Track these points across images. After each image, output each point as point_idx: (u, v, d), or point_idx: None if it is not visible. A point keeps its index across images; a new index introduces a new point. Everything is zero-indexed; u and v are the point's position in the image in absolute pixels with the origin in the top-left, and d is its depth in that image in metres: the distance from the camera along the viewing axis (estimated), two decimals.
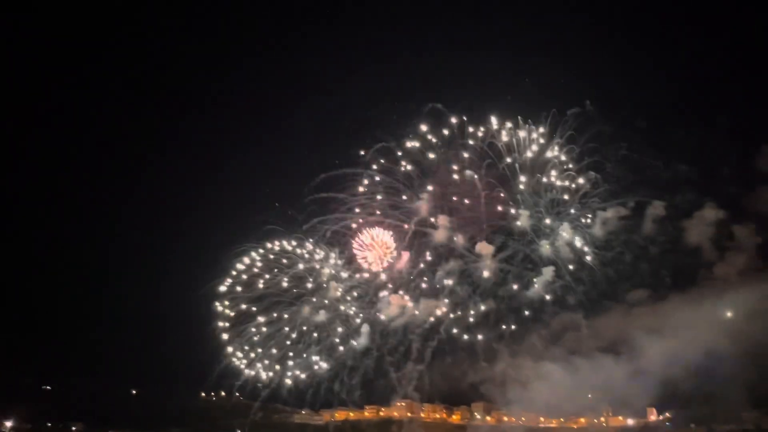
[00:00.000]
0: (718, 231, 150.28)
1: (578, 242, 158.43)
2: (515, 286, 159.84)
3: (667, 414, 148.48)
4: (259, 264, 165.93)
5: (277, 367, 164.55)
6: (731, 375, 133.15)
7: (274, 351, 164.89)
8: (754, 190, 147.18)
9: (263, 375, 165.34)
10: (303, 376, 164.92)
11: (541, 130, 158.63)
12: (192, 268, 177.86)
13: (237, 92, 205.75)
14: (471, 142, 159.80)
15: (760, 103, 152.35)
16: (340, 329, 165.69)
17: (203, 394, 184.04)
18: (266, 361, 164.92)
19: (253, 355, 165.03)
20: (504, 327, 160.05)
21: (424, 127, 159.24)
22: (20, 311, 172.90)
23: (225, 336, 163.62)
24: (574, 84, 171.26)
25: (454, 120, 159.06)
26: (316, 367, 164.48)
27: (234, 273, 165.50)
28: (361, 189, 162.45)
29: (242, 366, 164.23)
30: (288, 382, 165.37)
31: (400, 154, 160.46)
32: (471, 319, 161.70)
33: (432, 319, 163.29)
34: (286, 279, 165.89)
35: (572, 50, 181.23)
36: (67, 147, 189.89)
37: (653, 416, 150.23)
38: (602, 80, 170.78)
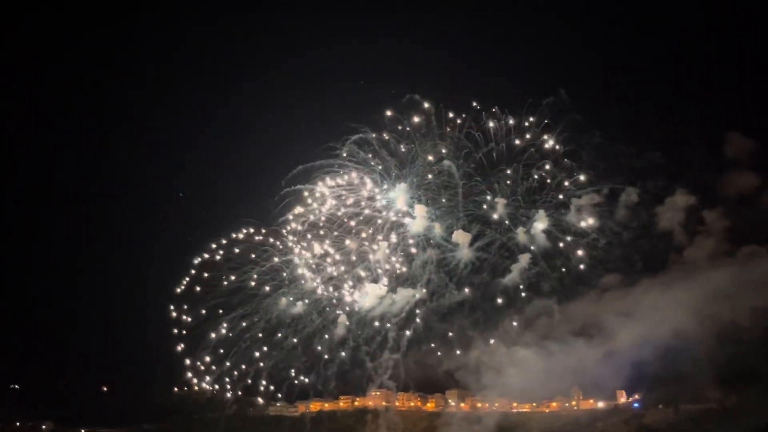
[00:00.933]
0: (689, 216, 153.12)
1: (553, 229, 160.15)
2: (492, 273, 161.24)
3: (636, 396, 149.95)
4: (234, 257, 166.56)
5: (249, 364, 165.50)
6: (698, 356, 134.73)
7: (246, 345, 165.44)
8: (723, 176, 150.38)
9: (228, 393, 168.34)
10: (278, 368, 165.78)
11: (512, 121, 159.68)
12: (162, 263, 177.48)
13: (208, 82, 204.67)
14: (448, 131, 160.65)
15: (729, 90, 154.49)
16: (315, 321, 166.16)
17: (176, 389, 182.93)
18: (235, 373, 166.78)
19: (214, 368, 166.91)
20: (479, 314, 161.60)
21: (401, 118, 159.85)
22: None
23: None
24: (549, 74, 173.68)
25: (431, 109, 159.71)
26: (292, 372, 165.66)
27: (204, 267, 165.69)
28: (338, 180, 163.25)
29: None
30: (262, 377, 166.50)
31: (376, 145, 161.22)
32: (447, 308, 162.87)
33: (408, 307, 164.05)
34: (256, 273, 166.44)
35: (546, 40, 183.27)
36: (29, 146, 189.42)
37: (622, 398, 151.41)
38: (576, 70, 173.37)
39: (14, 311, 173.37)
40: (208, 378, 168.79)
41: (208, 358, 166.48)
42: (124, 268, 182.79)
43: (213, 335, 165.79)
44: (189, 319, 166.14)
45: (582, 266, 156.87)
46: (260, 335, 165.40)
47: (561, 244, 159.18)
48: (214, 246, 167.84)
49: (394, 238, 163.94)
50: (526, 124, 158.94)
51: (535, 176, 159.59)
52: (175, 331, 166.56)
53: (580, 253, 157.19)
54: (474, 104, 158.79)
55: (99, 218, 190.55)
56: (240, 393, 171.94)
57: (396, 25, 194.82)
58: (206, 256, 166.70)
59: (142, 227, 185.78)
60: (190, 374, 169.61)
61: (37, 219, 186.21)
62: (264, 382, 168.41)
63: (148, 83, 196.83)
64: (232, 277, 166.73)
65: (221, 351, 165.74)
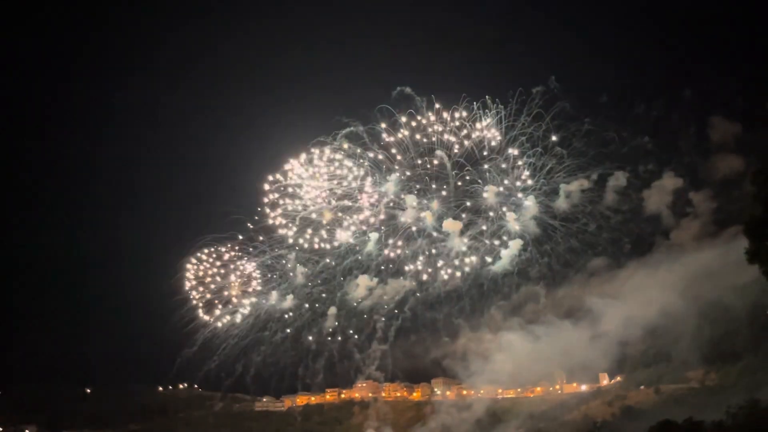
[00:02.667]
0: (676, 198, 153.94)
1: (543, 215, 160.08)
2: (483, 260, 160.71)
3: (618, 378, 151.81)
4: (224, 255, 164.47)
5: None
6: (681, 336, 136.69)
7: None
8: (710, 160, 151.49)
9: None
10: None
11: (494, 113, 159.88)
12: (147, 263, 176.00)
13: (197, 77, 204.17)
14: (438, 123, 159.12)
15: (715, 76, 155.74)
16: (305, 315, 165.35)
17: (161, 388, 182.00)
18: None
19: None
20: (467, 302, 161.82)
21: (392, 110, 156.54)
22: None
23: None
24: (539, 63, 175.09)
25: (422, 102, 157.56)
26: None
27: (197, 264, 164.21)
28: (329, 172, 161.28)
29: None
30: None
31: (366, 138, 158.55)
32: (436, 297, 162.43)
33: (398, 298, 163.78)
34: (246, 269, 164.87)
35: (536, 30, 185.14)
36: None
37: (605, 381, 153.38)
38: (565, 59, 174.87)
39: None
40: (196, 375, 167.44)
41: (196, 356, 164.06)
42: (105, 270, 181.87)
43: (200, 333, 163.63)
44: (177, 318, 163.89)
45: (570, 251, 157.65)
46: (249, 331, 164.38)
47: (550, 230, 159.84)
48: (201, 243, 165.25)
49: (385, 229, 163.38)
50: (517, 113, 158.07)
51: (526, 164, 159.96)
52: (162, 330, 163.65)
53: (568, 238, 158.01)
54: (464, 95, 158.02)
55: (83, 222, 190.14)
56: (226, 390, 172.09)
57: (386, 18, 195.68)
58: (195, 253, 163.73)
59: (126, 227, 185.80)
60: (177, 372, 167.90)
61: (19, 224, 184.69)
62: (251, 378, 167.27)
63: (142, 80, 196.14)
64: (221, 272, 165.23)
65: (209, 348, 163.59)
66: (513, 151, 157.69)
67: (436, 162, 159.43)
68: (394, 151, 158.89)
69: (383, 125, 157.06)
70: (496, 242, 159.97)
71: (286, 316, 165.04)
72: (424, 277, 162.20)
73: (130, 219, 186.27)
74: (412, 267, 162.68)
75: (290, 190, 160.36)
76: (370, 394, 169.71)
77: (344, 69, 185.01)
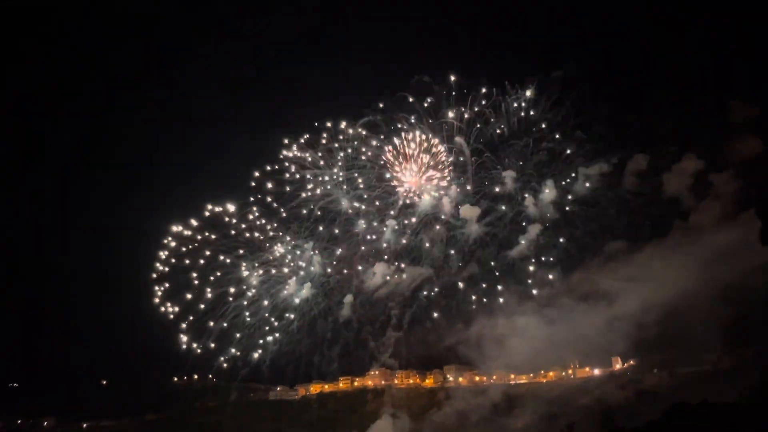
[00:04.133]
0: (696, 180, 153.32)
1: (562, 199, 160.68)
2: (499, 247, 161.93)
3: (631, 362, 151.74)
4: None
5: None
6: (694, 320, 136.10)
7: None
8: (730, 141, 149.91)
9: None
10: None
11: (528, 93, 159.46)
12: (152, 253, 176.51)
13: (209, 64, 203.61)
14: (456, 110, 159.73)
15: (736, 58, 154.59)
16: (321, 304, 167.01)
17: (176, 379, 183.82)
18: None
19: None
20: (482, 288, 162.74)
21: (410, 98, 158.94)
22: None
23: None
24: (558, 49, 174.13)
25: (441, 89, 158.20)
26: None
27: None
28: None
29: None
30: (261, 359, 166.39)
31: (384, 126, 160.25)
32: (452, 283, 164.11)
33: (414, 285, 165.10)
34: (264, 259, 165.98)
35: (555, 16, 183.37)
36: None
37: (618, 365, 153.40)
38: (583, 43, 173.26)
39: (10, 311, 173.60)
40: (212, 366, 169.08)
41: (213, 345, 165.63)
42: (117, 263, 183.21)
43: (213, 324, 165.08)
44: (193, 309, 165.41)
45: (588, 234, 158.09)
46: (267, 320, 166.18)
47: (569, 214, 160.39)
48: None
49: (403, 217, 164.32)
50: (529, 96, 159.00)
51: (545, 149, 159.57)
52: (176, 320, 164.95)
53: (587, 221, 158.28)
54: (485, 82, 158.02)
55: (91, 217, 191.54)
56: (241, 379, 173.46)
57: (404, 6, 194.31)
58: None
59: (137, 219, 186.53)
60: (193, 362, 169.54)
61: (28, 221, 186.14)
62: (267, 367, 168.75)
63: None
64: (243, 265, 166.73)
65: (225, 337, 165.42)
66: (532, 137, 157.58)
67: (454, 149, 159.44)
68: (411, 137, 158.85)
69: (401, 114, 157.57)
70: (515, 227, 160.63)
71: (303, 304, 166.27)
72: (441, 263, 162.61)
73: (145, 212, 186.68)
74: (429, 254, 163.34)
75: (309, 176, 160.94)
76: (383, 382, 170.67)
77: (361, 58, 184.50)
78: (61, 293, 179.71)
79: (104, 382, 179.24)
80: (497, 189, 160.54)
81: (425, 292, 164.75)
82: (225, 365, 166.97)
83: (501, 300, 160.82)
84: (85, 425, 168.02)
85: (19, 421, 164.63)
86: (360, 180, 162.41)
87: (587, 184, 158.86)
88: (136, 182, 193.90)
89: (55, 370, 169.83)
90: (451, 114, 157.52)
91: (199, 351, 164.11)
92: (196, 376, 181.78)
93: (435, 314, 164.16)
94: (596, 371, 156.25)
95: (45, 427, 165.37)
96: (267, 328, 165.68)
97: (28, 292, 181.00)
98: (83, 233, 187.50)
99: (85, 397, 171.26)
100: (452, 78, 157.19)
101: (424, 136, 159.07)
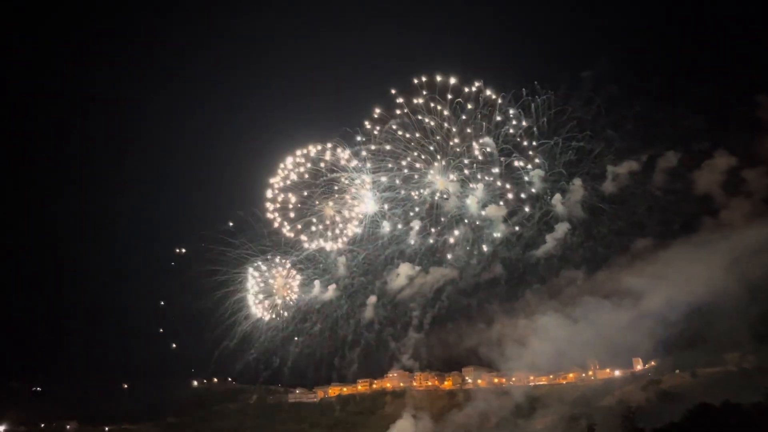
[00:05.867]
0: (728, 177, 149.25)
1: (589, 198, 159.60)
2: (525, 245, 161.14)
3: (652, 362, 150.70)
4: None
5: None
6: (716, 319, 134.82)
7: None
8: (762, 138, 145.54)
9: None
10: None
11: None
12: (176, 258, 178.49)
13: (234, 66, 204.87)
14: (485, 110, 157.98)
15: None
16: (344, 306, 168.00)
17: (195, 383, 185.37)
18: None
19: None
20: (505, 287, 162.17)
21: (439, 99, 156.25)
22: (1, 316, 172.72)
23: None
24: (587, 47, 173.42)
25: (471, 89, 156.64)
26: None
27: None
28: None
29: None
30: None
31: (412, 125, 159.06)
32: (475, 284, 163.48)
33: (437, 286, 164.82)
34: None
35: (582, 13, 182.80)
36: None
37: (639, 366, 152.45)
38: (614, 40, 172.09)
39: (32, 316, 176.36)
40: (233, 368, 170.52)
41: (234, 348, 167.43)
42: (139, 266, 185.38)
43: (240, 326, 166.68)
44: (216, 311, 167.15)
45: (616, 233, 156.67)
46: (290, 322, 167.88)
47: (597, 212, 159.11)
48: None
49: (428, 218, 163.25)
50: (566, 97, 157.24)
51: (574, 148, 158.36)
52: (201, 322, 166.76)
53: (615, 220, 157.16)
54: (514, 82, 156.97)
55: (114, 222, 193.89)
56: (261, 381, 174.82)
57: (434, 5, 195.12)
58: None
59: (160, 225, 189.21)
60: (216, 365, 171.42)
61: (51, 225, 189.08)
62: (288, 370, 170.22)
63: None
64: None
65: (247, 342, 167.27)
66: (561, 136, 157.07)
67: (483, 149, 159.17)
68: (438, 138, 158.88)
69: (429, 115, 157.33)
70: (541, 227, 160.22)
71: (326, 306, 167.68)
72: (465, 264, 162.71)
73: (168, 217, 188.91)
74: (453, 255, 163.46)
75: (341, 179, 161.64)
76: (402, 384, 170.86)
77: (386, 57, 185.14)
78: (83, 299, 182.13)
79: (125, 386, 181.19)
80: (524, 189, 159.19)
81: (447, 293, 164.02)
82: (246, 368, 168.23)
83: (524, 300, 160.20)
84: (107, 429, 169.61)
85: (42, 425, 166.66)
86: (384, 180, 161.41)
87: (616, 182, 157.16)
88: (166, 188, 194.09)
89: (78, 374, 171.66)
90: (479, 115, 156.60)
91: (223, 353, 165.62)
92: (215, 380, 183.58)
93: (457, 315, 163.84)
94: (617, 372, 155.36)
95: (68, 430, 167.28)
96: (290, 329, 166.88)
97: (51, 297, 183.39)
98: (107, 238, 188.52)
99: (106, 401, 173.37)
100: (478, 84, 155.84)
101: (450, 139, 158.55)
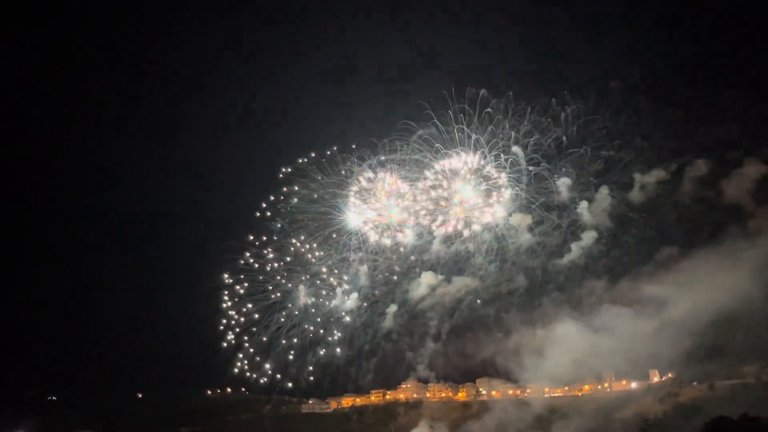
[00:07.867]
0: (757, 186, 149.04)
1: (617, 206, 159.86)
2: (549, 256, 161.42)
3: (669, 374, 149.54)
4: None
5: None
6: (734, 331, 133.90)
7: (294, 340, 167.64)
8: None
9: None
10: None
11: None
12: (193, 267, 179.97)
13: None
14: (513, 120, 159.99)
15: None
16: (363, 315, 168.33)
17: (209, 392, 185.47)
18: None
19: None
20: (527, 297, 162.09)
21: (469, 110, 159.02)
22: (17, 325, 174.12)
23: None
24: (616, 56, 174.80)
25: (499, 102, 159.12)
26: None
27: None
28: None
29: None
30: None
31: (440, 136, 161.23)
32: (496, 294, 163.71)
33: (458, 296, 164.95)
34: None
35: (613, 22, 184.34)
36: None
37: (656, 378, 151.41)
38: (642, 50, 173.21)
39: (47, 326, 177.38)
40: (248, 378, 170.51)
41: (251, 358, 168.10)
42: (155, 278, 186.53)
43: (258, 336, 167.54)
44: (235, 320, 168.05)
45: (642, 242, 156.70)
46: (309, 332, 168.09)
47: (625, 221, 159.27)
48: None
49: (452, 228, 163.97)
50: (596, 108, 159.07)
51: (603, 157, 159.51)
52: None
53: (643, 229, 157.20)
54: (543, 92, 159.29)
55: (128, 233, 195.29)
56: (274, 393, 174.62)
57: (462, 15, 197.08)
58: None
59: (175, 237, 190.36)
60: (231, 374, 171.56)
61: (66, 236, 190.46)
62: (304, 380, 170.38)
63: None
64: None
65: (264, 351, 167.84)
66: (590, 146, 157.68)
67: (510, 159, 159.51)
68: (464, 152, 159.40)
69: (458, 125, 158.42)
70: (567, 236, 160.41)
71: (347, 317, 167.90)
72: (488, 273, 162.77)
73: (183, 230, 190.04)
74: (476, 264, 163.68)
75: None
76: (415, 395, 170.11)
77: (413, 70, 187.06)
78: (99, 309, 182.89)
79: (140, 395, 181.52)
80: (552, 198, 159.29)
81: (466, 303, 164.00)
82: (262, 378, 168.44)
83: (543, 309, 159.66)
84: None
85: None
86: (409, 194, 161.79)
87: (644, 191, 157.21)
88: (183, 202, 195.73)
89: (93, 383, 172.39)
90: (507, 125, 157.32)
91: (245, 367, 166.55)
92: (229, 389, 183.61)
93: (475, 325, 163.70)
94: (633, 384, 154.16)
95: None
96: (309, 340, 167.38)
97: (67, 307, 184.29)
98: (124, 248, 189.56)
99: (121, 410, 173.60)
100: (510, 94, 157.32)
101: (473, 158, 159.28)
